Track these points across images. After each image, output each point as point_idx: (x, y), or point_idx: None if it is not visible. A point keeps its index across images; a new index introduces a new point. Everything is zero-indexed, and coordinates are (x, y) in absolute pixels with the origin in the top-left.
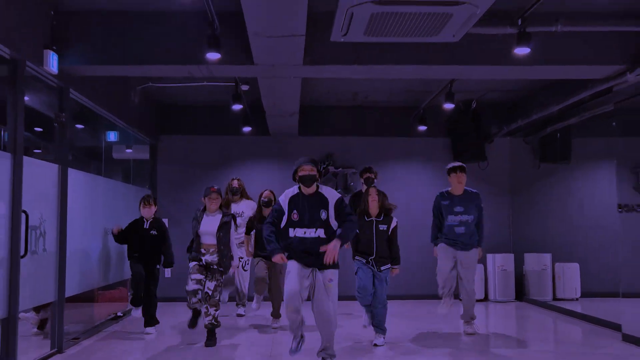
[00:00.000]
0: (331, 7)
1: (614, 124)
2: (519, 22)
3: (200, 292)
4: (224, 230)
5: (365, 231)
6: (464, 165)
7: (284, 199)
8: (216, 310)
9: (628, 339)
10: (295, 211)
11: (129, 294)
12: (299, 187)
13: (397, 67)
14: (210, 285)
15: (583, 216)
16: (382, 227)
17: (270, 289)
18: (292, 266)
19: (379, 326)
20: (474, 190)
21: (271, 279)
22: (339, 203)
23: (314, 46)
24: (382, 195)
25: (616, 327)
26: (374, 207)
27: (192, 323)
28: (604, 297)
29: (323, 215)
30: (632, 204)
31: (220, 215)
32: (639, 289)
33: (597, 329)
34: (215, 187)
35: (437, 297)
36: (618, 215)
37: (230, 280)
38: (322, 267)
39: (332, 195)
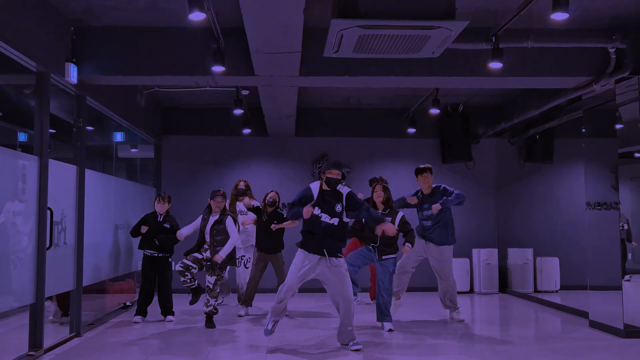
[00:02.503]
0: (324, 25)
1: (583, 130)
2: (493, 39)
3: (188, 273)
4: (216, 226)
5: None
6: (430, 166)
7: (315, 187)
8: (215, 301)
9: (594, 325)
10: (322, 199)
11: (136, 288)
12: (321, 184)
13: (383, 77)
14: (210, 279)
15: (563, 213)
16: (387, 219)
17: (278, 280)
18: (298, 259)
19: (385, 314)
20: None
21: (276, 269)
22: (350, 196)
23: (308, 59)
24: (387, 190)
25: (585, 315)
26: (379, 201)
27: (192, 300)
28: (582, 290)
29: (338, 208)
30: (610, 201)
31: (217, 217)
32: (605, 282)
33: (570, 317)
34: (221, 191)
35: (425, 289)
36: (589, 213)
37: (226, 285)
38: (333, 254)
39: (344, 190)
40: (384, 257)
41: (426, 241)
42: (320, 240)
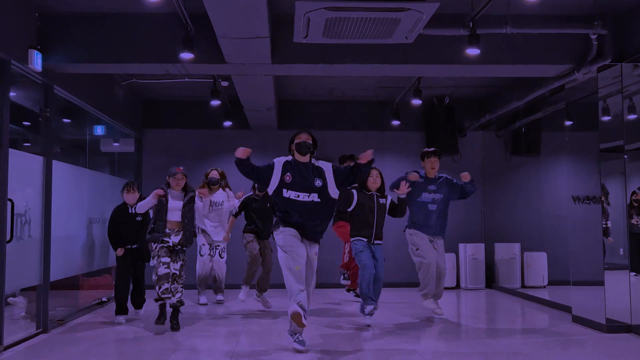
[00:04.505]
0: (293, 10)
1: (566, 123)
2: (470, 24)
3: (170, 276)
4: (189, 205)
5: (365, 206)
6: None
7: (278, 161)
8: (182, 289)
9: (576, 320)
10: (288, 174)
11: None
12: (293, 155)
13: (359, 65)
14: (176, 266)
15: (550, 207)
16: (382, 200)
17: (263, 266)
18: (294, 239)
19: (373, 298)
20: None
21: (264, 256)
22: (336, 168)
23: (281, 46)
24: (381, 175)
25: (570, 310)
26: (374, 188)
27: (161, 320)
28: (568, 285)
29: (317, 183)
30: (597, 196)
31: (183, 194)
32: (590, 277)
33: (555, 313)
34: (181, 168)
35: (410, 284)
36: (574, 207)
37: (204, 281)
38: (315, 240)
39: (326, 165)
40: (376, 242)
41: (430, 236)
42: (299, 223)
